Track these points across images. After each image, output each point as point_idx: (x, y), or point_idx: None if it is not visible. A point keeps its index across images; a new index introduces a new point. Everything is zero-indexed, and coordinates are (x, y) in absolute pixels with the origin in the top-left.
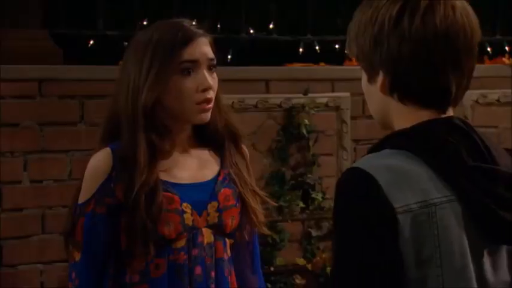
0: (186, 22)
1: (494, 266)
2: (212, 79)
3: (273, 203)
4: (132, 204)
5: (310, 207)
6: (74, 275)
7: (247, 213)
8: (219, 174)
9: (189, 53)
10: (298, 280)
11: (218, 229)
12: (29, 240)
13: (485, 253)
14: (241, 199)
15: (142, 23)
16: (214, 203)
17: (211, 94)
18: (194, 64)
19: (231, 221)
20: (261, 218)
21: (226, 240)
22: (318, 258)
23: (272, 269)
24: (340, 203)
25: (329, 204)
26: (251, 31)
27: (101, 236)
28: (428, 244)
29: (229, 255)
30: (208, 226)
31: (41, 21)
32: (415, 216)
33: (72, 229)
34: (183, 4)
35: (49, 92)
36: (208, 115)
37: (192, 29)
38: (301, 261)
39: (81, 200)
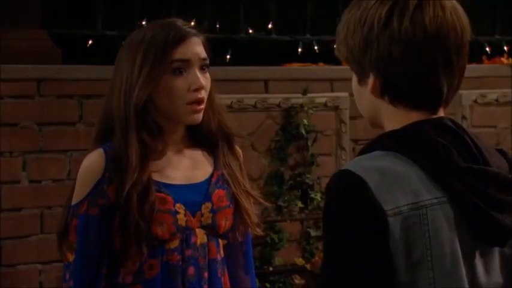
0: (179, 22)
1: (487, 268)
2: (204, 79)
3: (266, 203)
4: (124, 204)
5: (309, 207)
6: (67, 275)
7: (241, 214)
8: (212, 175)
9: (180, 53)
10: (297, 280)
11: (212, 230)
12: (27, 240)
13: (477, 255)
14: (235, 200)
15: (141, 23)
16: (208, 204)
17: (203, 94)
18: (186, 64)
19: (225, 222)
20: (254, 218)
21: (220, 240)
22: (317, 258)
23: (271, 268)
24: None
25: None
26: (250, 31)
27: (94, 237)
28: (419, 246)
29: (222, 255)
30: (202, 227)
31: (40, 21)
32: (405, 218)
33: (65, 230)
34: (182, 4)
35: (48, 92)
36: (200, 116)
37: (184, 29)
38: (300, 261)
39: (74, 201)
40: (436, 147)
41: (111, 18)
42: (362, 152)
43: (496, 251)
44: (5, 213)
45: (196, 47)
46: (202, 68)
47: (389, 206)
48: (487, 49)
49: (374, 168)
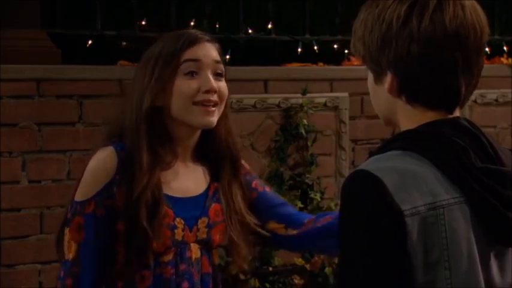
0: (193, 30)
1: (501, 269)
2: (218, 83)
3: (264, 233)
4: (132, 212)
5: (309, 207)
6: (62, 273)
7: (232, 247)
8: (209, 187)
9: (190, 53)
10: (297, 280)
11: (205, 244)
12: (27, 240)
13: (492, 255)
14: (228, 234)
15: (140, 23)
16: (205, 219)
17: (215, 97)
18: (197, 64)
19: (218, 237)
20: (245, 253)
21: (211, 254)
22: (316, 258)
23: (270, 268)
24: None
25: (327, 204)
26: (250, 31)
27: (100, 238)
28: (437, 247)
29: (214, 268)
30: (197, 241)
31: (40, 22)
32: (423, 218)
33: (67, 225)
34: (182, 4)
35: (47, 92)
36: (214, 119)
37: (196, 34)
38: (299, 261)
39: (79, 197)
40: (453, 148)
41: (110, 19)
42: (378, 151)
43: (510, 252)
44: (4, 213)
45: (209, 50)
46: (216, 74)
47: (407, 206)
48: (487, 49)
49: (391, 168)
